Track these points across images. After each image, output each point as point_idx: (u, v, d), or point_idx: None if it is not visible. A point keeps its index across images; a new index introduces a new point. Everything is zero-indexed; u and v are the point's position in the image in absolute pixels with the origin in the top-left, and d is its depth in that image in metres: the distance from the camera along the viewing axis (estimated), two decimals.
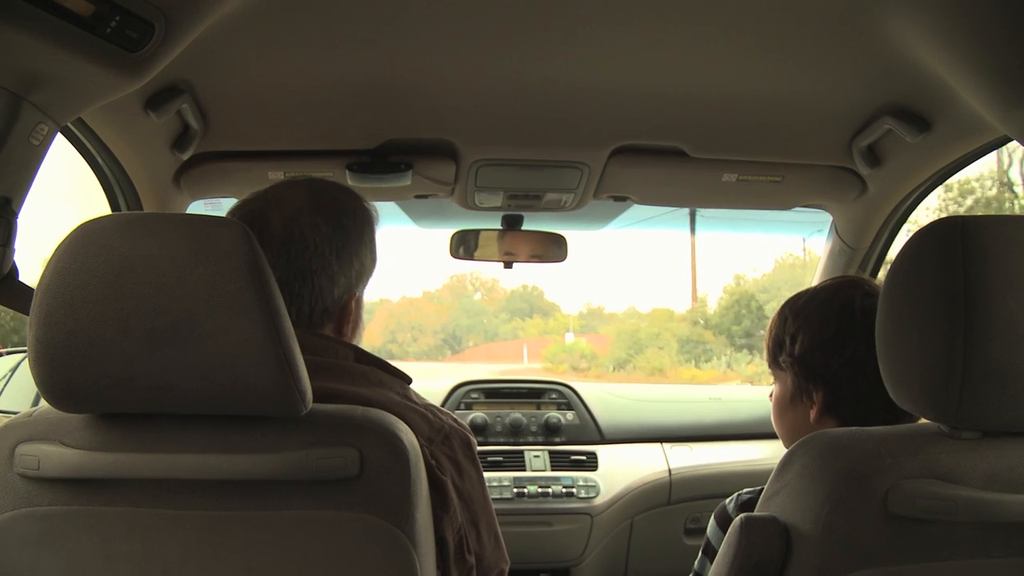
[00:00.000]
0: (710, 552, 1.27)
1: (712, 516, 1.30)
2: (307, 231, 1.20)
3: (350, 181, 1.86)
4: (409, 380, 1.24)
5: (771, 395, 1.39)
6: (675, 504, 2.42)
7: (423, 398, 1.22)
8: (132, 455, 0.98)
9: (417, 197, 2.07)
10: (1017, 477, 0.95)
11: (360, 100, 1.68)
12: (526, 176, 1.96)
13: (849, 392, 1.25)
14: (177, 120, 1.64)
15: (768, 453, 2.51)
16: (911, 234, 0.99)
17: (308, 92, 1.64)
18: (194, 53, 1.31)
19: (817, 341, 1.28)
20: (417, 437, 1.07)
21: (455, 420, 1.21)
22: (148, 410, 0.98)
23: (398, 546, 0.98)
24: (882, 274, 2.12)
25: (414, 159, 1.86)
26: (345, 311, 1.25)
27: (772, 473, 1.07)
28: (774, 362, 1.36)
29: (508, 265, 2.24)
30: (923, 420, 1.04)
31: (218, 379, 0.92)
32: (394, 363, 1.23)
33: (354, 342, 1.27)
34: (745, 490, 1.28)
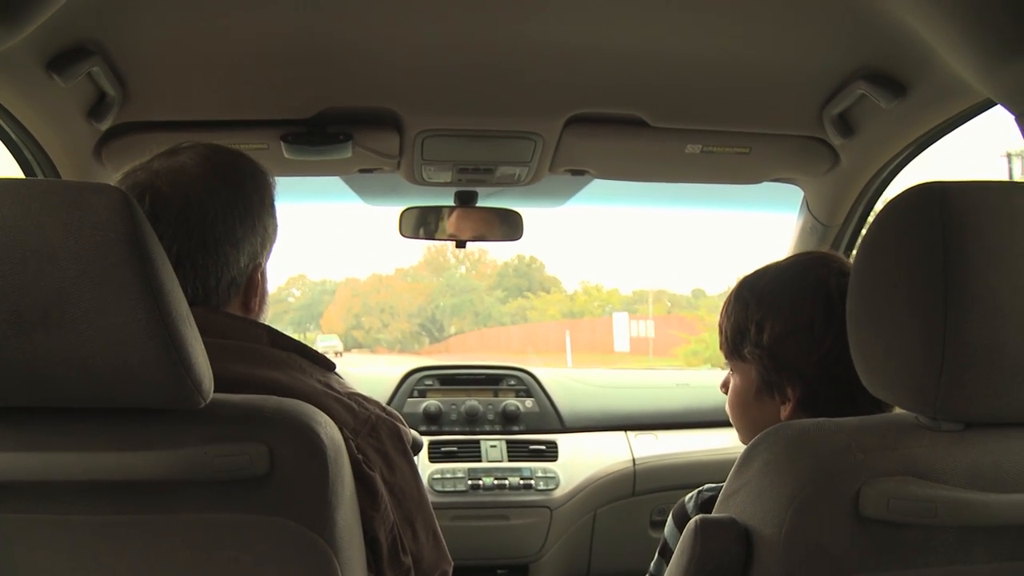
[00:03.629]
0: (666, 554, 1.17)
1: (670, 514, 1.21)
2: (204, 196, 1.10)
3: (286, 154, 1.76)
4: (332, 367, 1.15)
5: (724, 385, 1.28)
6: (640, 495, 2.34)
7: (347, 385, 1.13)
8: (4, 455, 0.87)
9: (362, 171, 1.97)
10: (1003, 474, 0.86)
11: (293, 64, 1.57)
12: (476, 148, 1.87)
13: (828, 386, 1.13)
14: (90, 85, 1.52)
15: (737, 442, 2.40)
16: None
17: (235, 56, 1.53)
18: (101, 9, 1.20)
19: (789, 329, 1.14)
20: (341, 429, 0.99)
21: (383, 409, 1.13)
22: (19, 404, 0.87)
23: (316, 552, 0.89)
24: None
25: (354, 129, 1.76)
26: (252, 282, 1.17)
27: (732, 469, 0.97)
28: (734, 352, 1.22)
29: (460, 244, 2.16)
30: (897, 410, 0.95)
31: (97, 368, 0.83)
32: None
33: (261, 318, 1.19)
34: (707, 486, 1.18)
